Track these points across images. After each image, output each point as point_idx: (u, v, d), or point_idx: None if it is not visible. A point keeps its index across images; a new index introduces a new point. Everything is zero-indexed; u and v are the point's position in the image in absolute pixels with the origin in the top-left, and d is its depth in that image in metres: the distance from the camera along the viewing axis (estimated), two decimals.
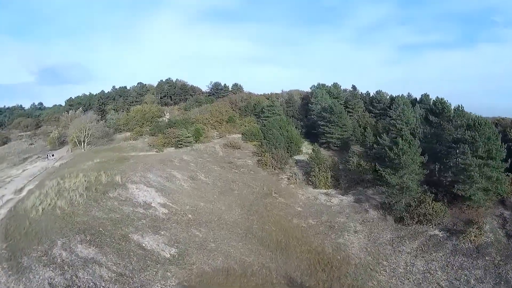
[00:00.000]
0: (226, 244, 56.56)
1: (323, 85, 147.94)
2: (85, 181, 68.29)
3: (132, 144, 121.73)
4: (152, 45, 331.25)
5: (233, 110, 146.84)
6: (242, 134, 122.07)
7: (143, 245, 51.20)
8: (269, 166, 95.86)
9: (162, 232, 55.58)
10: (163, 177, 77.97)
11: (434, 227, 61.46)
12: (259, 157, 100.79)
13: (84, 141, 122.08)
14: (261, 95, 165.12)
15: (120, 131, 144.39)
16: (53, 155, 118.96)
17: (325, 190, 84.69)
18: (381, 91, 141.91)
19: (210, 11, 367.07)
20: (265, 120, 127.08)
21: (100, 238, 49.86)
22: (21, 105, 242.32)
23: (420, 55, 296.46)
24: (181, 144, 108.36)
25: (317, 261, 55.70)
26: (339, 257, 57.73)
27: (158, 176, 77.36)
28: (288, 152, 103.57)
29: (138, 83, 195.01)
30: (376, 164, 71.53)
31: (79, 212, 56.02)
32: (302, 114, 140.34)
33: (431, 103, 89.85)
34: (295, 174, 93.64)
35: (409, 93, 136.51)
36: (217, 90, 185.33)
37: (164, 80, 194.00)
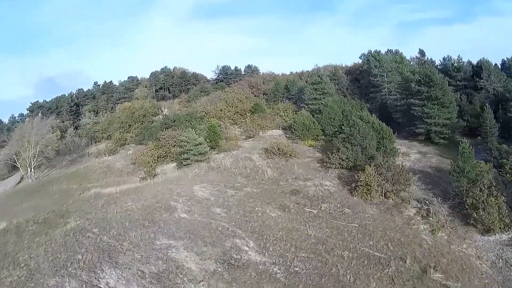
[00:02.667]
0: None
1: (378, 52, 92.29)
2: None
3: (107, 163, 67.12)
4: (149, 46, 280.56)
5: (255, 96, 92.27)
6: (283, 129, 68.09)
7: None
8: (377, 192, 41.40)
9: None
10: None
11: None
12: (347, 174, 47.10)
13: (30, 165, 67.02)
14: (286, 75, 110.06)
15: (98, 141, 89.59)
16: None
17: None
18: (451, 57, 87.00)
19: (203, 7, 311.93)
20: (311, 104, 72.63)
21: None
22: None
23: (418, 33, 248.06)
24: (188, 159, 54.18)
25: None
26: None
27: None
28: (383, 157, 49.09)
29: (128, 77, 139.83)
30: None
31: None
32: (357, 93, 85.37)
33: None
34: (427, 204, 39.80)
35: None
36: (227, 75, 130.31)
37: (159, 70, 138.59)
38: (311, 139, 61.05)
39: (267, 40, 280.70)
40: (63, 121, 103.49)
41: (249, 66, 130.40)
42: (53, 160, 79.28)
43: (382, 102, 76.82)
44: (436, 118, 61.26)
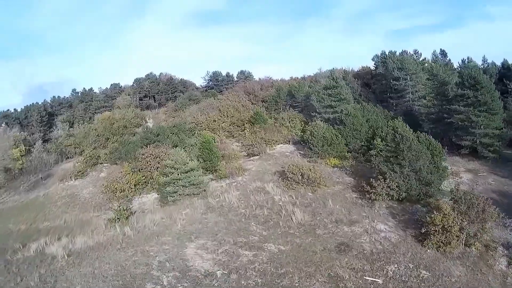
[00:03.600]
0: None
1: (394, 52, 77.31)
2: None
3: (72, 189, 50.35)
4: (142, 53, 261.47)
5: (253, 103, 76.59)
6: (294, 144, 52.85)
7: None
8: (457, 239, 26.27)
9: None
10: None
11: None
12: (399, 209, 32.70)
13: None
14: (286, 80, 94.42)
15: (71, 157, 72.83)
16: None
17: None
18: (471, 58, 72.79)
19: (196, 14, 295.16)
20: (325, 113, 57.43)
21: None
22: None
23: (410, 39, 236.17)
24: (175, 193, 37.19)
25: None
26: None
27: None
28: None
29: (111, 85, 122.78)
30: None
31: None
32: (371, 99, 70.20)
33: None
34: None
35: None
36: (218, 82, 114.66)
37: (144, 77, 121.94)
38: (335, 157, 45.51)
39: (259, 48, 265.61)
40: (32, 133, 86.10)
41: (242, 72, 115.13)
42: (13, 181, 62.68)
43: (407, 109, 61.81)
44: (485, 127, 46.86)
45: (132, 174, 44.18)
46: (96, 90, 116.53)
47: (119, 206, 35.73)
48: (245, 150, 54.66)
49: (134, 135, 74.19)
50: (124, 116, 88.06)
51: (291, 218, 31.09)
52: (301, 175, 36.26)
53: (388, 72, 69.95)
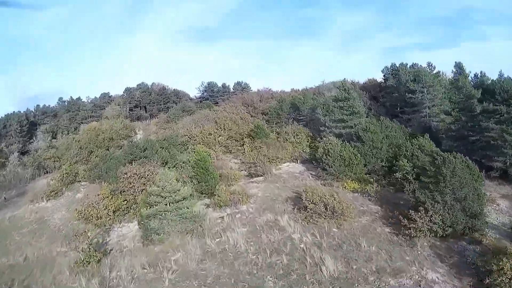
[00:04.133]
0: None
1: (405, 65, 70.02)
2: None
3: (43, 212, 41.41)
4: (134, 62, 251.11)
5: (252, 116, 68.55)
6: (303, 163, 44.74)
7: None
8: None
9: None
10: None
11: None
12: (444, 248, 24.70)
13: None
14: (287, 92, 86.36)
15: (50, 171, 63.97)
16: None
17: None
18: (484, 73, 65.56)
19: (189, 30, 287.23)
20: (335, 128, 49.72)
21: None
22: None
23: (404, 58, 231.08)
24: (161, 231, 27.78)
25: None
26: None
27: None
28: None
29: (101, 94, 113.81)
30: None
31: None
32: (382, 113, 62.44)
33: None
34: None
35: None
36: (213, 93, 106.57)
37: (135, 86, 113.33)
38: (353, 180, 37.48)
39: (252, 62, 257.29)
40: (9, 145, 76.92)
41: (239, 83, 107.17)
42: None
43: (425, 125, 54.21)
44: None
45: (112, 197, 35.58)
46: (84, 99, 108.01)
47: (89, 245, 26.94)
48: (245, 169, 46.37)
49: (121, 148, 65.77)
50: (111, 127, 79.84)
51: (320, 269, 22.66)
52: (324, 205, 27.98)
53: (401, 84, 62.62)
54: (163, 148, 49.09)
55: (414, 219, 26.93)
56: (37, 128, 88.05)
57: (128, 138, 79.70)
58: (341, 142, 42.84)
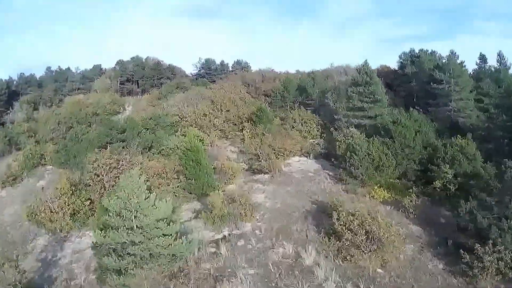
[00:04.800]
0: None
1: (425, 51, 59.99)
2: None
3: None
4: (128, 34, 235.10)
5: (253, 97, 59.17)
6: (316, 158, 35.30)
7: None
8: None
9: None
10: None
11: None
12: None
13: None
14: (291, 73, 76.33)
15: (23, 148, 54.36)
16: None
17: None
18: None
19: (186, 8, 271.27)
20: (353, 117, 40.38)
21: None
22: None
23: (400, 48, 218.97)
24: (120, 276, 16.85)
25: None
26: None
27: None
28: None
29: (93, 66, 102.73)
30: None
31: None
32: (399, 104, 52.74)
33: None
34: None
35: None
36: (210, 71, 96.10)
37: (129, 59, 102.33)
38: (382, 186, 28.43)
39: (252, 43, 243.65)
40: None
41: (238, 62, 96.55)
42: None
43: (451, 121, 44.99)
44: None
45: (72, 194, 26.32)
46: (74, 70, 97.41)
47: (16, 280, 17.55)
48: (245, 160, 37.21)
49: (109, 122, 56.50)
50: (98, 101, 70.33)
51: None
52: (365, 232, 18.97)
53: (423, 72, 53.29)
54: (148, 129, 39.75)
55: (478, 254, 18.36)
56: (17, 98, 78.00)
57: (116, 114, 70.47)
58: (363, 136, 33.74)
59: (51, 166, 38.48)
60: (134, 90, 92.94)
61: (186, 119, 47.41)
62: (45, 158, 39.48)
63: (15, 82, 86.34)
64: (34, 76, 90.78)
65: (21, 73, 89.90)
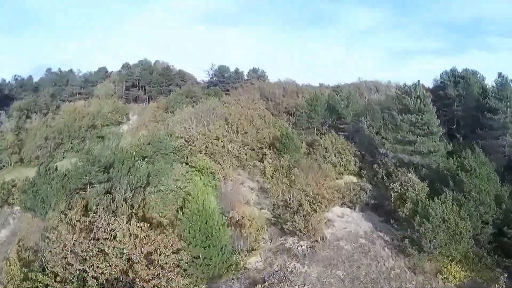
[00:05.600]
0: None
1: (471, 72, 50.40)
2: None
3: None
4: (140, 44, 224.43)
5: (273, 115, 51.25)
6: (362, 211, 26.98)
7: None
8: None
9: None
10: None
11: None
12: None
13: None
14: (314, 87, 67.80)
15: (4, 165, 47.22)
16: None
17: None
18: None
19: (203, 13, 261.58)
20: (400, 152, 32.15)
21: None
22: None
23: (411, 61, 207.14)
24: None
25: None
26: None
27: None
28: None
29: (98, 68, 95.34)
30: None
31: None
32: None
33: None
34: None
35: None
36: (223, 78, 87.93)
37: (137, 62, 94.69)
38: (455, 259, 20.14)
39: (269, 52, 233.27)
40: None
41: (254, 70, 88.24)
42: None
43: (509, 159, 36.14)
44: None
45: (24, 279, 18.16)
46: (76, 72, 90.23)
47: None
48: (268, 206, 29.05)
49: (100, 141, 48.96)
50: (100, 110, 63.25)
51: None
52: None
53: (470, 96, 44.82)
54: (144, 158, 31.79)
55: None
56: (10, 104, 70.65)
57: (119, 124, 63.09)
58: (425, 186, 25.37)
59: (18, 207, 30.08)
60: (140, 96, 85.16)
61: (194, 144, 39.28)
62: (13, 195, 31.17)
63: (8, 85, 78.98)
64: (30, 79, 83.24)
65: (15, 75, 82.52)
